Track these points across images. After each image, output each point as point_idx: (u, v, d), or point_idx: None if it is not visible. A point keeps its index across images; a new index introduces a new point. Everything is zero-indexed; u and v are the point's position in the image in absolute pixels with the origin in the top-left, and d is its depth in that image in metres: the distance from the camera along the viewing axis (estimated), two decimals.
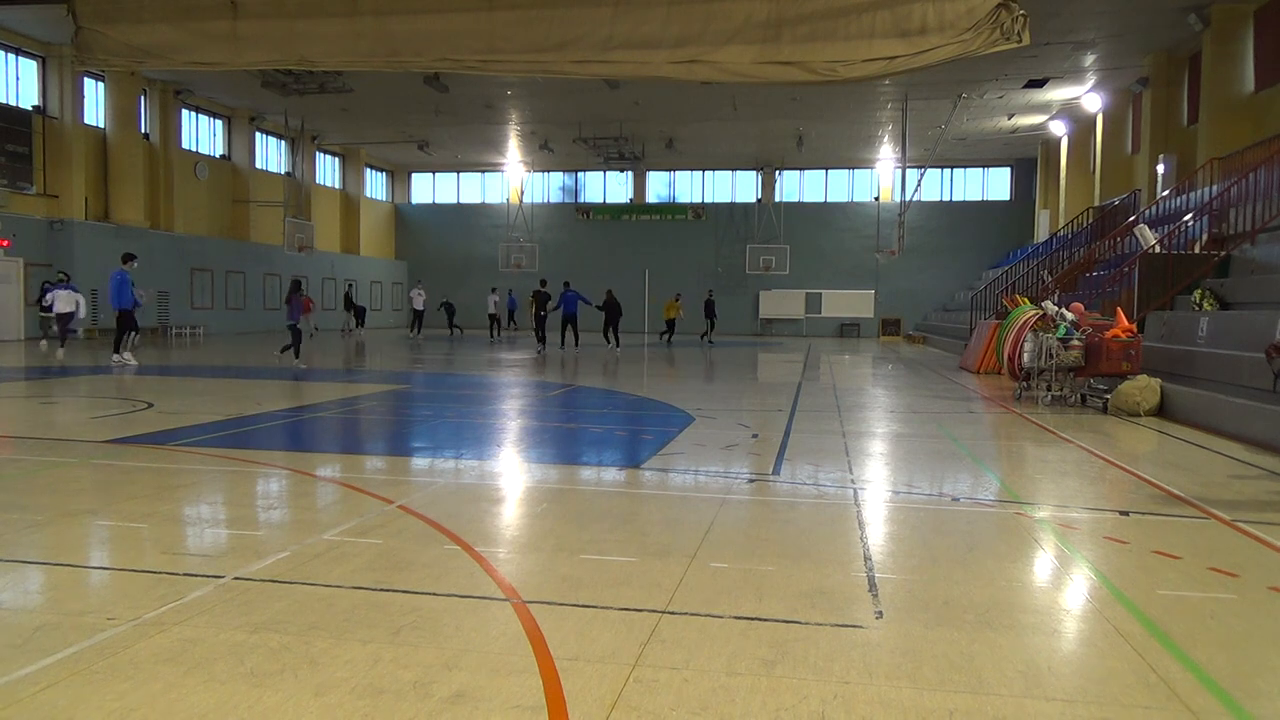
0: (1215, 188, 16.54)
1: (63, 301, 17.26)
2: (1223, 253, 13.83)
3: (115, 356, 15.01)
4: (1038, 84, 25.36)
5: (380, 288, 40.24)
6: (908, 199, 28.45)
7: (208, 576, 3.77)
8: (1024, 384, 11.58)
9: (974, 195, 38.80)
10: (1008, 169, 38.17)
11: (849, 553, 4.31)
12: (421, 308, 30.91)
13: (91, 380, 12.79)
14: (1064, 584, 3.96)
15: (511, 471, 6.45)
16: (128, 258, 16.05)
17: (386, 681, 2.77)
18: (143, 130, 27.81)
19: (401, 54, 8.18)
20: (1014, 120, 30.07)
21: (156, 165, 28.39)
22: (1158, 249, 15.36)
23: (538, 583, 3.78)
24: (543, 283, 23.67)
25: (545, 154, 35.90)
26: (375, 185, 41.66)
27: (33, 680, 2.73)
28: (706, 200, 40.28)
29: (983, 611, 3.48)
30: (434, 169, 41.99)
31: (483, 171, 41.98)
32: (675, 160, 38.62)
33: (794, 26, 7.28)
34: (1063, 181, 30.24)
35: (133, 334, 15.73)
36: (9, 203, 22.98)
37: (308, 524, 4.78)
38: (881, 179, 38.63)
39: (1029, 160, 36.17)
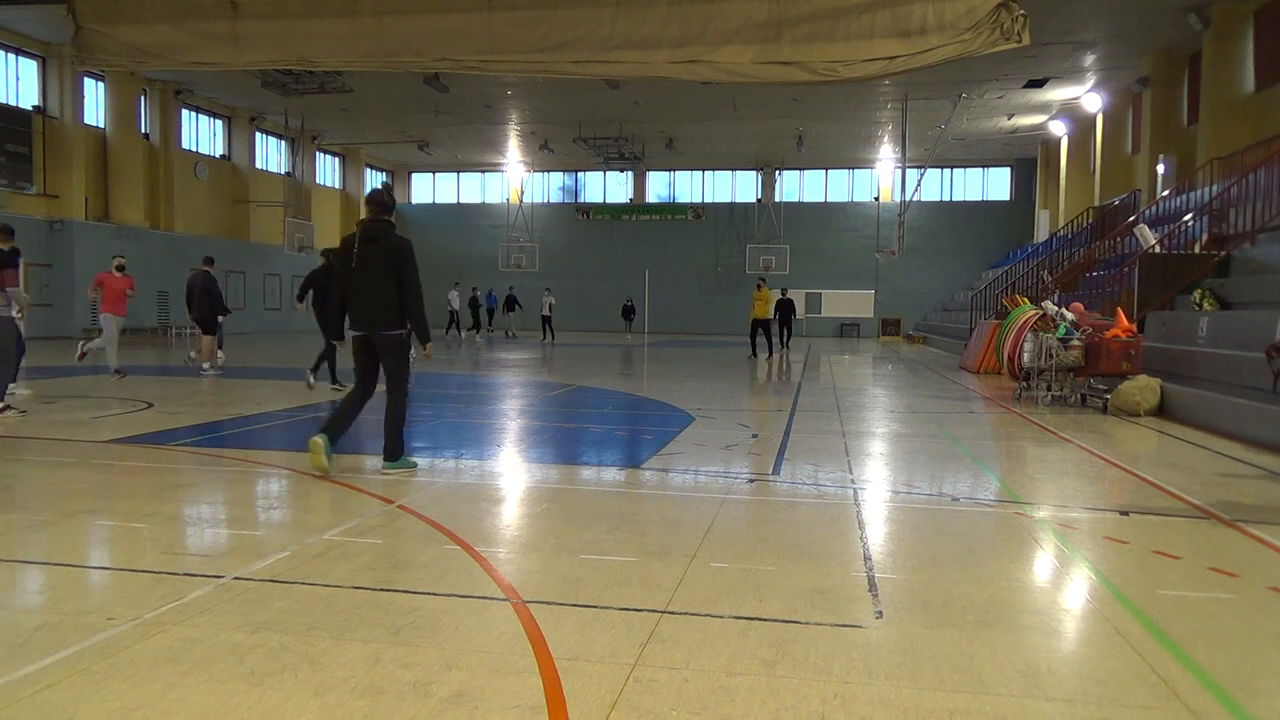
0: (1215, 188, 16.54)
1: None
2: (1223, 253, 13.82)
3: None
4: (1038, 84, 25.36)
5: None
6: (908, 199, 28.45)
7: (208, 576, 3.77)
8: (1024, 384, 11.57)
9: (974, 195, 38.80)
10: (1008, 169, 38.17)
11: (849, 552, 4.31)
12: (456, 307, 30.82)
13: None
14: (1064, 584, 3.96)
15: (511, 471, 6.45)
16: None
17: (386, 681, 2.76)
18: (143, 130, 27.83)
19: (401, 54, 8.18)
20: (1014, 120, 30.07)
21: (156, 165, 28.40)
22: (1158, 249, 15.37)
23: (538, 583, 3.78)
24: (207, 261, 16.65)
25: (545, 154, 35.89)
26: (375, 185, 41.65)
27: (33, 680, 2.73)
28: (706, 200, 40.29)
29: (983, 611, 3.48)
30: (434, 169, 41.99)
31: (483, 171, 41.98)
32: (675, 160, 38.61)
33: (794, 27, 7.29)
34: (1063, 181, 30.24)
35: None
36: (9, 203, 23.01)
37: (308, 524, 4.79)
38: (881, 179, 38.63)
39: (1029, 160, 36.16)
